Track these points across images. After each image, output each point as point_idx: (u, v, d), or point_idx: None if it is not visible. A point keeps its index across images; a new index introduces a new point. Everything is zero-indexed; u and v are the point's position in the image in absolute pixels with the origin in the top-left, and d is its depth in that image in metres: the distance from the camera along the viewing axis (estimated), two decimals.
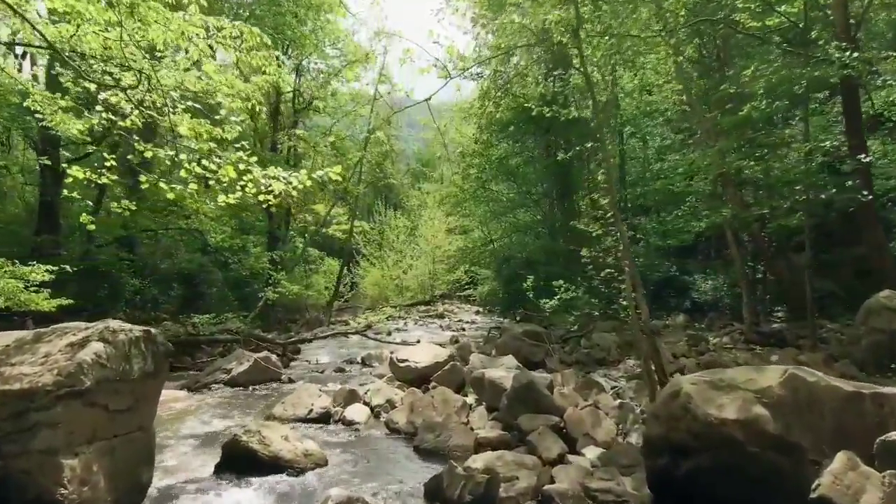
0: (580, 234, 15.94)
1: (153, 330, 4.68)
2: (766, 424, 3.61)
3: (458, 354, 11.73)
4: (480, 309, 25.77)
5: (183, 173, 4.53)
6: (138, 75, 4.12)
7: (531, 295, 7.93)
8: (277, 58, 21.29)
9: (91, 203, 8.95)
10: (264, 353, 9.92)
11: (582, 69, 6.04)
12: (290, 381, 9.75)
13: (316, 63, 23.91)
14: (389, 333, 18.94)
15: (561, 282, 7.06)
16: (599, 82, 7.59)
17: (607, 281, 6.93)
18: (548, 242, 17.64)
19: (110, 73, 4.30)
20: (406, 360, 8.69)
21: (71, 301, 9.10)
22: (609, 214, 6.65)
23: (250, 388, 9.12)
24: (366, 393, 7.76)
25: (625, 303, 6.66)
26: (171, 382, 9.72)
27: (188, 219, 15.68)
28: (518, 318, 18.41)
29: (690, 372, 7.89)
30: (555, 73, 9.60)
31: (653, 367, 6.29)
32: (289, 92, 25.94)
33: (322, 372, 11.94)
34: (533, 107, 8.84)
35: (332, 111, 28.21)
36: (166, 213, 16.09)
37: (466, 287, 30.39)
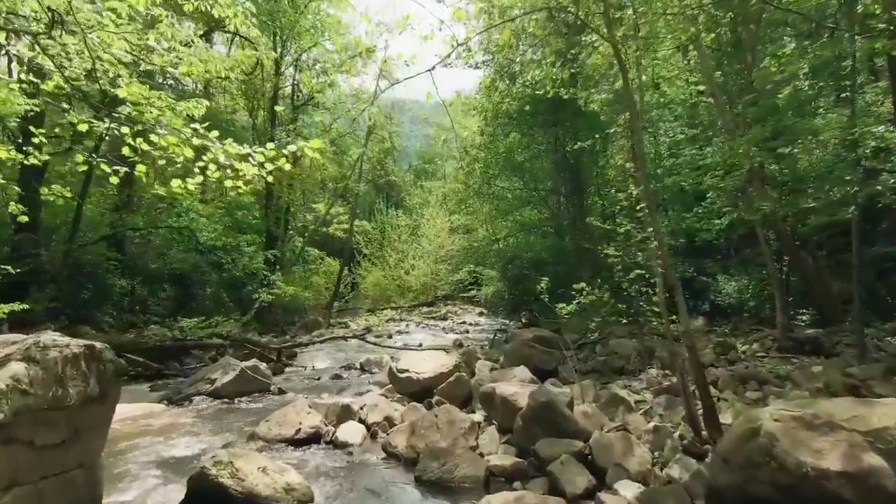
0: (593, 232, 15.28)
1: (98, 344, 3.85)
2: (884, 479, 2.77)
3: (463, 361, 10.99)
4: (484, 310, 25.00)
5: (126, 151, 3.71)
6: (50, 15, 3.28)
7: (545, 298, 7.06)
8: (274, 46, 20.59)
9: (19, 189, 8.05)
10: (252, 362, 9.08)
11: (609, 37, 5.21)
12: (281, 391, 8.93)
13: (315, 58, 22.93)
14: (390, 336, 18.18)
15: (583, 284, 6.22)
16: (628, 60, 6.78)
17: (631, 282, 6.09)
18: (556, 241, 16.81)
19: (14, 13, 3.47)
20: (407, 371, 7.86)
21: (25, 306, 8.24)
22: (640, 207, 5.81)
23: (236, 400, 8.30)
24: (361, 408, 6.93)
25: (657, 308, 5.83)
26: (151, 393, 8.96)
27: (179, 217, 14.89)
28: (524, 321, 17.61)
29: (726, 385, 7.06)
30: (572, 50, 8.71)
31: (689, 383, 5.46)
32: (287, 86, 25.20)
33: (318, 379, 11.17)
34: (543, 92, 8.05)
35: (332, 107, 27.47)
36: (158, 211, 15.31)
37: (470, 287, 29.63)
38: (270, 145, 3.39)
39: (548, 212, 17.84)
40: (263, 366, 9.21)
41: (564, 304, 7.01)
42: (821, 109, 11.41)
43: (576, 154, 14.48)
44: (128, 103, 3.40)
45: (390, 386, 8.17)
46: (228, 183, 3.65)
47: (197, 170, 3.60)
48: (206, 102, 4.07)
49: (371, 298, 29.29)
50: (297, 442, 6.09)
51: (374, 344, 14.27)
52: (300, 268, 25.72)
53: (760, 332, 10.39)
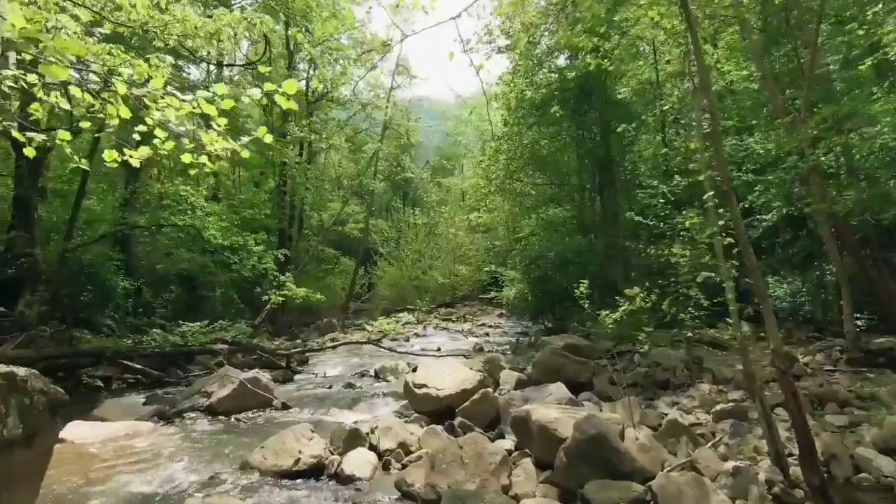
0: (626, 230, 14.19)
1: (22, 371, 2.95)
2: None
3: (486, 371, 10.04)
4: (504, 312, 24.01)
5: (35, 110, 2.78)
6: None
7: (585, 304, 6.04)
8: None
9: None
10: (253, 374, 8.17)
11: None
12: (285, 406, 8.00)
13: (328, 46, 22.11)
14: (407, 339, 17.29)
15: (636, 289, 5.21)
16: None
17: (699, 286, 5.08)
18: (583, 240, 15.74)
19: None
20: (425, 386, 6.88)
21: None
22: (706, 196, 4.77)
23: (233, 417, 7.38)
24: (372, 431, 5.96)
25: (729, 320, 4.80)
26: (144, 407, 8.10)
27: (185, 214, 14.10)
28: (548, 324, 16.61)
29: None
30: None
31: (770, 411, 4.42)
32: (301, 79, 24.42)
33: (329, 388, 10.30)
34: (575, 70, 7.08)
35: (346, 103, 26.67)
36: (163, 208, 14.54)
37: (489, 288, 28.66)
38: (221, 85, 2.45)
39: (574, 209, 16.77)
40: (266, 377, 8.29)
41: (607, 311, 6.00)
42: (877, 94, 10.27)
43: (606, 146, 13.41)
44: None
45: (406, 403, 7.22)
46: (187, 158, 2.73)
47: (137, 136, 2.69)
48: (170, 59, 3.17)
49: (388, 299, 28.50)
50: (295, 475, 5.15)
51: (390, 350, 13.31)
52: (314, 268, 24.96)
53: (823, 341, 9.24)
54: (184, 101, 2.33)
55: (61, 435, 6.05)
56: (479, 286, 29.93)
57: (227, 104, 2.42)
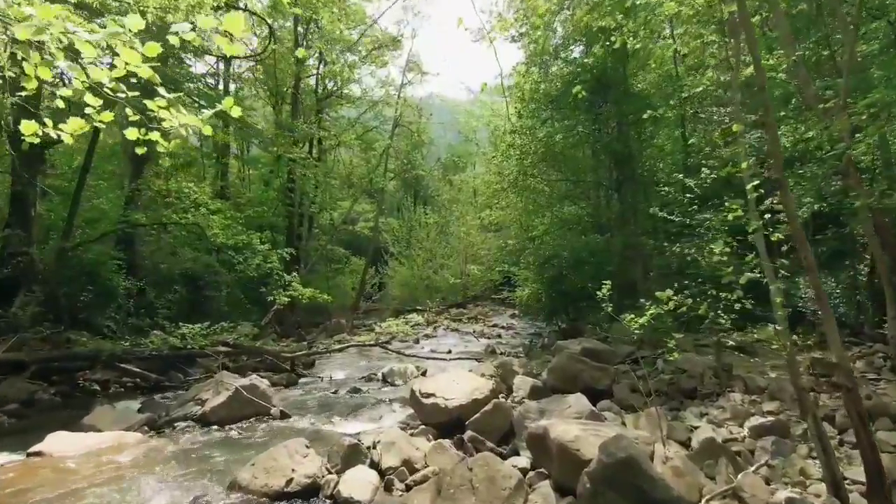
0: (645, 228, 13.55)
1: None
2: None
3: (499, 376, 9.52)
4: (517, 312, 23.41)
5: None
6: None
7: (609, 308, 5.47)
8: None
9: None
10: (250, 380, 7.66)
11: None
12: (284, 415, 7.51)
13: (336, 39, 21.73)
14: (417, 341, 16.80)
15: (669, 291, 4.63)
16: None
17: (742, 287, 4.51)
18: (599, 239, 15.14)
19: None
20: (432, 396, 6.34)
21: None
22: (749, 187, 4.19)
23: (227, 427, 6.89)
24: (374, 446, 5.44)
25: (777, 326, 4.23)
26: (138, 415, 7.62)
27: (188, 212, 13.66)
28: (561, 325, 16.00)
29: (846, 422, 5.37)
30: None
31: (825, 439, 3.83)
32: (311, 75, 24.03)
33: (334, 392, 9.85)
34: (591, 58, 6.52)
35: (357, 100, 26.23)
36: (165, 206, 14.12)
37: (501, 288, 28.03)
38: (133, 17, 1.92)
39: (590, 206, 16.14)
40: (265, 384, 7.79)
41: (631, 315, 5.42)
42: None
43: (625, 141, 12.79)
44: None
45: (412, 413, 6.71)
46: (132, 134, 2.22)
47: (60, 102, 2.19)
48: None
49: (399, 299, 28.05)
50: (286, 496, 4.65)
51: (398, 353, 12.82)
52: (324, 267, 24.53)
53: (862, 347, 8.59)
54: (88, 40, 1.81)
55: (38, 448, 5.62)
56: (492, 286, 29.36)
57: (151, 49, 1.89)
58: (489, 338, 17.32)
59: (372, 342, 13.87)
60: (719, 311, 5.88)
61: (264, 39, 21.13)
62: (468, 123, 33.97)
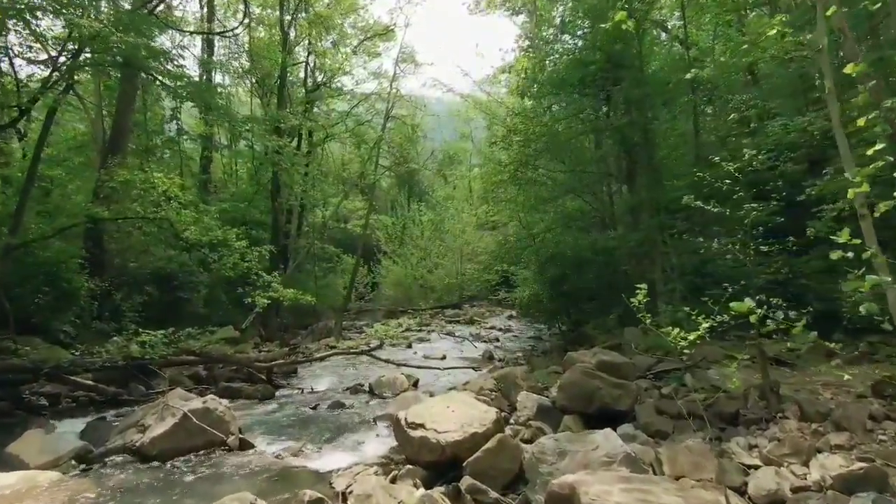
0: (660, 226, 12.35)
1: None
2: None
3: (500, 390, 8.35)
4: (515, 313, 22.26)
5: None
6: None
7: (647, 319, 4.25)
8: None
9: None
10: (203, 402, 6.34)
11: None
12: (244, 445, 6.21)
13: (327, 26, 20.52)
14: (409, 346, 15.60)
15: (749, 301, 3.42)
16: None
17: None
18: (607, 236, 14.00)
19: None
20: (421, 427, 5.06)
21: None
22: (877, 149, 3.00)
23: (170, 463, 5.60)
24: (345, 497, 4.20)
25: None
26: (70, 443, 6.28)
27: (157, 206, 12.36)
28: (563, 327, 14.85)
29: None
30: None
31: None
32: (298, 62, 22.78)
33: (314, 408, 8.70)
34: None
35: (348, 94, 25.00)
36: (132, 200, 12.80)
37: (497, 288, 26.96)
38: None
39: (595, 200, 14.95)
40: (221, 405, 6.48)
41: (677, 328, 4.18)
42: None
43: (642, 128, 11.56)
44: None
45: (396, 446, 5.48)
46: None
47: None
48: None
49: (392, 299, 26.91)
50: None
51: (387, 362, 11.63)
52: (314, 266, 23.28)
53: None
54: None
55: None
56: (489, 286, 28.28)
57: None
58: (486, 341, 16.21)
59: (358, 350, 12.65)
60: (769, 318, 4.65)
61: (245, 26, 19.95)
62: (466, 113, 32.77)
